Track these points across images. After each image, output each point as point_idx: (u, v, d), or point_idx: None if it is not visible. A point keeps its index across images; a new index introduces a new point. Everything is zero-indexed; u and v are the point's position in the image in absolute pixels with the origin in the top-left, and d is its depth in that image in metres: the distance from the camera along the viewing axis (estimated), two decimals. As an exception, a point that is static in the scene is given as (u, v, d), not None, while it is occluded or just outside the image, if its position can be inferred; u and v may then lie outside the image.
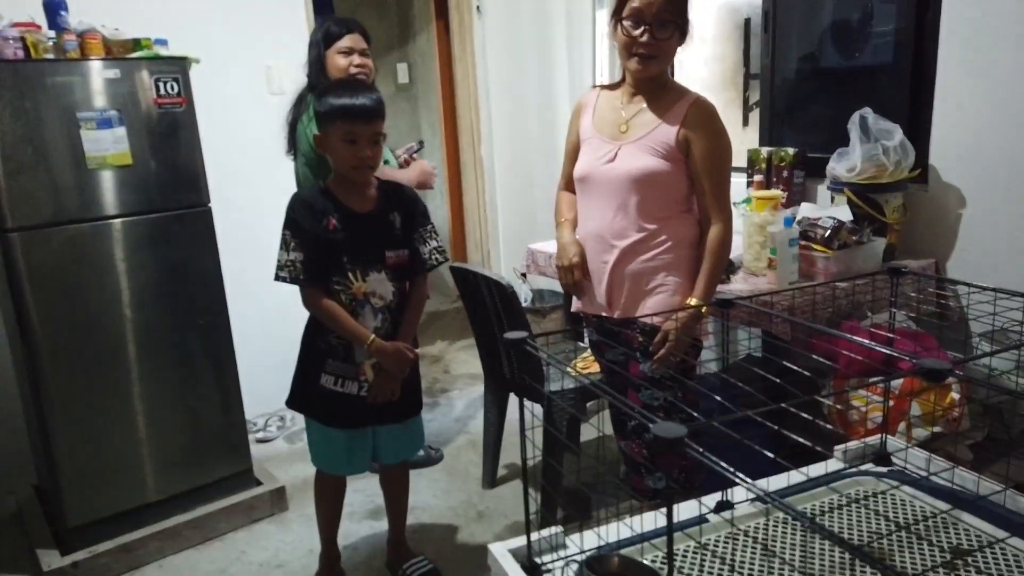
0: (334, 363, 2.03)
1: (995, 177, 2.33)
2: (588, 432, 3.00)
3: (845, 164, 2.48)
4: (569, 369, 1.76)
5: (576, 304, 2.17)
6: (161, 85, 2.35)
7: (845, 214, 2.48)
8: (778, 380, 1.21)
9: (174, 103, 2.39)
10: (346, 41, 2.52)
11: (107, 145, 2.28)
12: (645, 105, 1.95)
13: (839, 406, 2.16)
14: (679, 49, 1.94)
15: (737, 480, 0.83)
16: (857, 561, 1.14)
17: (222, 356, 2.62)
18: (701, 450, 0.78)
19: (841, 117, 2.56)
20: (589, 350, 2.79)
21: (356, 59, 2.53)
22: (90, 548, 2.39)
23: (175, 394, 2.53)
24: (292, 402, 2.14)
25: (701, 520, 1.26)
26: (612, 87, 2.06)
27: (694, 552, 1.22)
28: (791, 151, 2.86)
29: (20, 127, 2.16)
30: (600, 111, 2.04)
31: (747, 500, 1.32)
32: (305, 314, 2.04)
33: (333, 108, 1.90)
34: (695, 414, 1.17)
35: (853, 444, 1.47)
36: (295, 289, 1.97)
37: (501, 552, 1.22)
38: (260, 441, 3.29)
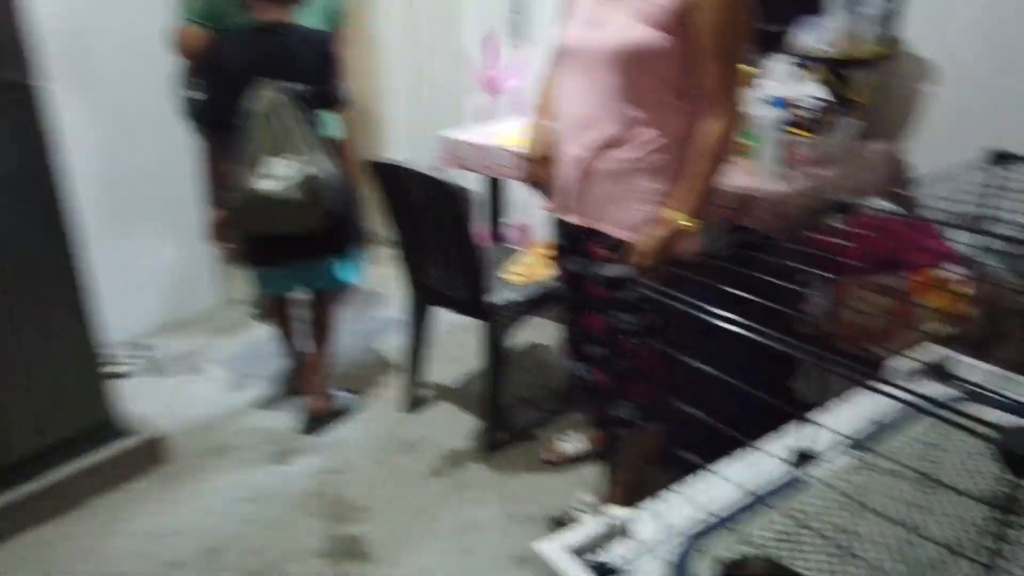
0: None
1: (967, 51, 2.13)
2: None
3: (823, 37, 2.18)
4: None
5: (545, 202, 1.77)
6: None
7: (818, 93, 2.20)
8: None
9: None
10: None
11: None
12: None
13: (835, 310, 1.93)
14: None
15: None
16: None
17: (68, 275, 1.99)
18: None
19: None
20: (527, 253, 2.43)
21: None
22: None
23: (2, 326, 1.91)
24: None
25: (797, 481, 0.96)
26: None
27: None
28: (743, 23, 2.52)
29: None
30: None
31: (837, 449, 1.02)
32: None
33: None
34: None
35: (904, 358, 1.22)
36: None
37: (557, 554, 0.85)
38: (115, 377, 2.65)
